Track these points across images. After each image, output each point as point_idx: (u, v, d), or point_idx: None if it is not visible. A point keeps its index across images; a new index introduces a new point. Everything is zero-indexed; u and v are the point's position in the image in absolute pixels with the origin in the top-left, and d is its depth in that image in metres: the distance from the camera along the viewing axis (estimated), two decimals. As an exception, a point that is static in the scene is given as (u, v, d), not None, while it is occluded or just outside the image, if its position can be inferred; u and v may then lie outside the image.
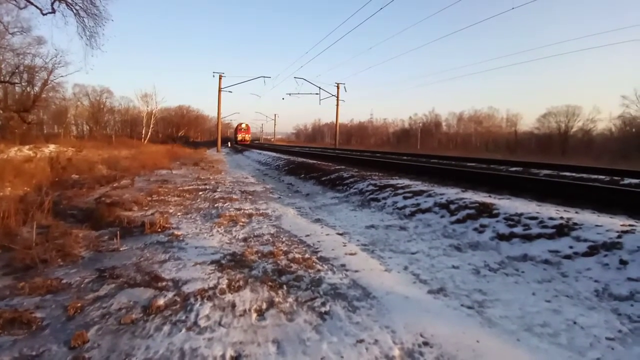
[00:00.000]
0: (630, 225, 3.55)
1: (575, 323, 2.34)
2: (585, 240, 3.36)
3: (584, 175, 9.61)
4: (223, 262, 3.38)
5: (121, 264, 3.30)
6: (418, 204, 5.39)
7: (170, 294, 2.67)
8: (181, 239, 4.16)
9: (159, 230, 4.48)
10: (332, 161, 14.59)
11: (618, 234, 3.32)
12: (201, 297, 2.63)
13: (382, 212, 5.65)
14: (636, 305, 2.48)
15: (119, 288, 2.78)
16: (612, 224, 3.61)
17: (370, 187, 7.07)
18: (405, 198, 5.83)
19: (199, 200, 6.68)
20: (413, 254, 3.70)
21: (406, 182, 7.09)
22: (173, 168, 13.34)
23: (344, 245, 3.97)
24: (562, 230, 3.60)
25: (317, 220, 5.27)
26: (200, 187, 8.31)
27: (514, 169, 11.97)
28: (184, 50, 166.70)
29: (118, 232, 4.15)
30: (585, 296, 2.70)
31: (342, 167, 11.07)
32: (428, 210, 5.11)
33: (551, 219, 3.85)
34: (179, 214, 5.53)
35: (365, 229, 4.68)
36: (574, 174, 9.93)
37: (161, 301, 2.55)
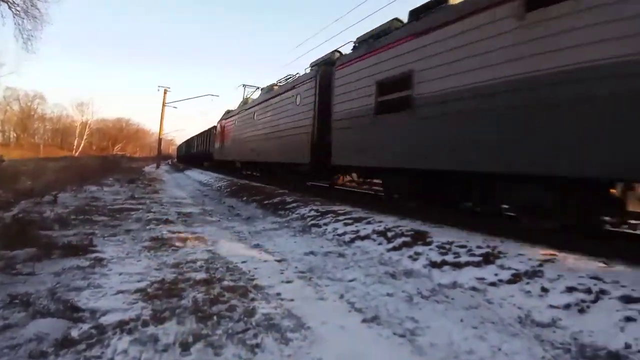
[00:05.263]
0: (550, 254, 3.79)
1: (499, 350, 2.43)
2: (509, 268, 3.54)
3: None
4: (149, 290, 3.15)
5: (35, 290, 2.98)
6: (357, 231, 5.46)
7: (85, 326, 2.45)
8: (104, 263, 3.85)
9: (81, 253, 4.12)
10: (276, 184, 14.44)
11: (539, 262, 3.54)
12: (120, 330, 2.42)
13: (322, 238, 5.65)
14: (558, 332, 2.61)
15: (31, 317, 2.51)
16: (534, 252, 3.85)
17: (312, 213, 7.07)
18: (345, 224, 5.89)
19: (129, 221, 6.27)
20: (350, 281, 3.69)
21: (347, 208, 7.19)
22: (105, 184, 12.51)
23: (281, 273, 3.89)
24: (489, 258, 3.80)
25: (256, 246, 5.14)
26: (133, 207, 7.84)
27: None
28: (127, 60, 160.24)
29: (34, 254, 3.78)
30: (509, 323, 2.82)
31: (286, 190, 11.01)
32: (367, 237, 5.18)
33: (479, 247, 4.06)
34: (105, 235, 5.15)
35: (304, 256, 4.63)
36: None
37: (75, 333, 2.33)
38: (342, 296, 3.30)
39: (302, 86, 10.61)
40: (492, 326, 2.74)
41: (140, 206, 8.05)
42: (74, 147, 63.03)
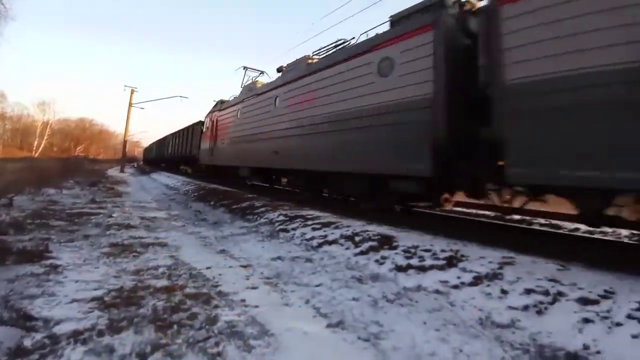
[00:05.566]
0: (510, 257, 3.92)
1: (461, 351, 2.47)
2: (471, 271, 3.63)
3: (473, 211, 10.65)
4: (106, 298, 3.03)
5: (-14, 298, 2.83)
6: (325, 236, 5.46)
7: (39, 336, 2.35)
8: (60, 270, 3.69)
9: (35, 259, 3.95)
10: (245, 189, 13.75)
11: (499, 265, 3.65)
12: (74, 340, 2.32)
13: (290, 243, 5.61)
14: (517, 333, 2.68)
15: (-18, 325, 2.40)
16: (494, 255, 3.96)
17: (281, 218, 7.02)
18: (314, 229, 5.88)
19: (88, 226, 6.01)
20: (316, 286, 3.68)
21: (316, 213, 7.18)
22: (65, 187, 11.98)
23: (247, 279, 3.83)
24: (452, 261, 3.88)
25: (222, 252, 5.04)
26: (94, 211, 7.53)
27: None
28: (93, 58, 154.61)
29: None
30: (470, 324, 2.88)
31: (255, 195, 10.90)
32: (334, 242, 5.19)
33: (442, 251, 4.15)
34: (62, 240, 4.92)
35: (270, 261, 4.58)
36: (464, 209, 10.94)
37: (28, 343, 2.26)
38: (308, 301, 3.28)
39: (398, 46, 6.38)
40: (454, 328, 2.79)
41: (101, 210, 7.74)
42: (34, 147, 60.24)
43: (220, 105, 15.90)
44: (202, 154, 18.10)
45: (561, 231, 6.59)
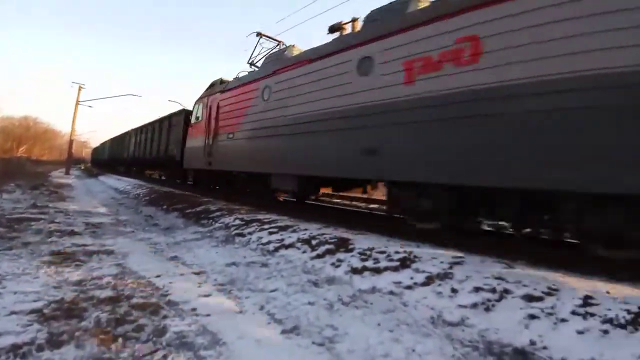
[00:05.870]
0: (460, 257, 4.06)
1: (413, 351, 2.52)
2: (423, 272, 3.71)
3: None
4: (46, 310, 2.84)
5: None
6: (282, 240, 5.41)
7: None
8: (-4, 281, 3.41)
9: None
10: (200, 192, 12.73)
11: (450, 265, 3.77)
12: (13, 355, 2.20)
13: (246, 248, 5.50)
14: (467, 330, 2.76)
15: None
16: (446, 256, 4.08)
17: (237, 222, 6.87)
18: (270, 233, 5.81)
19: (28, 233, 5.60)
20: (271, 291, 3.64)
21: (273, 216, 7.11)
22: (5, 191, 11.15)
23: (199, 286, 3.71)
24: (405, 262, 3.96)
25: (173, 258, 4.87)
26: (34, 217, 7.03)
27: (373, 205, 13.03)
28: (39, 51, 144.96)
29: None
30: (422, 324, 2.94)
31: (211, 199, 10.62)
32: (291, 245, 5.15)
33: (397, 252, 4.23)
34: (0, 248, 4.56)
35: (225, 267, 4.47)
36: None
37: None
38: (262, 307, 3.23)
39: None
40: (407, 328, 2.85)
41: (42, 216, 7.24)
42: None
43: (222, 85, 11.42)
44: (188, 155, 13.12)
45: (507, 231, 6.93)
